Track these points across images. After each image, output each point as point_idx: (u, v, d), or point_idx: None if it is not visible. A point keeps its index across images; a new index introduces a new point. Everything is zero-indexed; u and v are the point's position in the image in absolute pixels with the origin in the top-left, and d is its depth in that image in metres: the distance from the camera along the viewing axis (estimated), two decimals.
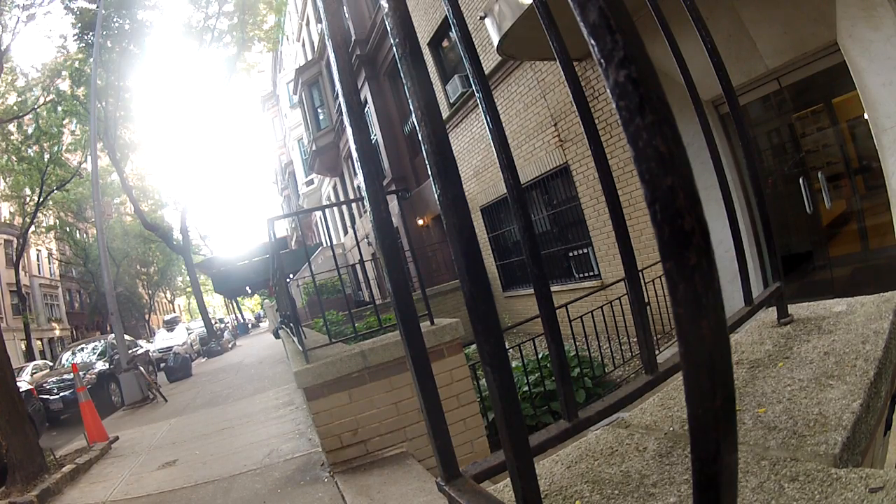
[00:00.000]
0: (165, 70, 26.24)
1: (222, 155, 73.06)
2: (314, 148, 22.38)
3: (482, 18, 6.52)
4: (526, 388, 4.96)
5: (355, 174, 20.17)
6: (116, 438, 7.11)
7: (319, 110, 21.78)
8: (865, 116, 4.61)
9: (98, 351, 13.86)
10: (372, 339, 3.69)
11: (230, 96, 24.82)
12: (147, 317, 47.54)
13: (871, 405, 1.01)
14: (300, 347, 3.66)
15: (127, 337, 14.26)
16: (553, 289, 9.67)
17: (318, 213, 32.70)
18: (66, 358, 14.44)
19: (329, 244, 4.29)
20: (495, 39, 6.49)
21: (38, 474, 5.42)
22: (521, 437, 0.77)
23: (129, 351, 12.84)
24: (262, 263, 37.33)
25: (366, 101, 15.67)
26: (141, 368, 11.16)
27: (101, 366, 12.53)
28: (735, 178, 5.80)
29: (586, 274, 9.03)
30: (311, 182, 29.29)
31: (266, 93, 38.20)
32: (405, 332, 0.89)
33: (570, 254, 9.37)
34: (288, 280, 9.95)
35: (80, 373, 8.95)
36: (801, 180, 5.50)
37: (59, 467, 5.73)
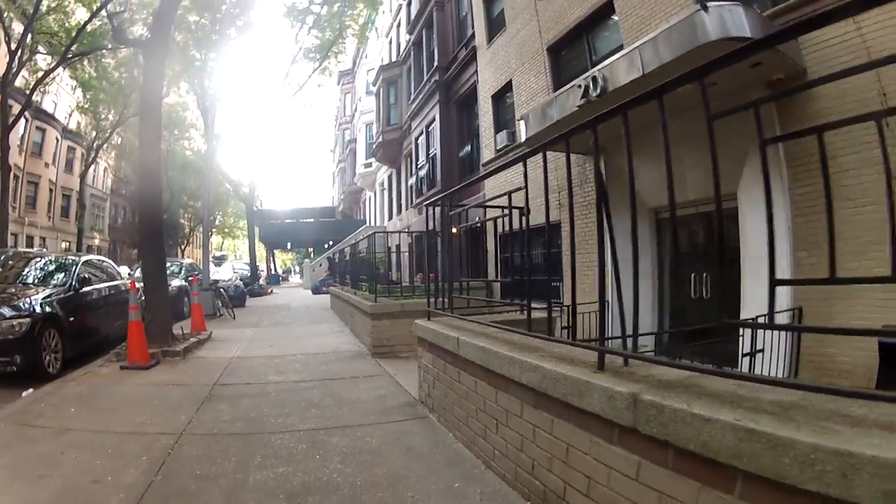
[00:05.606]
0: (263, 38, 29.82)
1: (290, 116, 79.26)
2: (381, 140, 26.84)
3: (519, 120, 10.68)
4: None
5: (411, 173, 24.46)
6: (211, 333, 10.34)
7: (392, 108, 26.18)
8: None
9: (170, 270, 16.01)
10: (406, 299, 8.00)
11: (315, 77, 28.83)
12: (182, 247, 52.05)
13: None
14: (373, 295, 7.98)
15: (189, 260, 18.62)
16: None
17: (369, 194, 37.36)
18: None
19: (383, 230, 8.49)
20: (523, 136, 10.66)
21: (169, 341, 8.34)
22: None
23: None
24: (304, 225, 42.37)
25: (433, 120, 19.95)
26: (221, 290, 15.61)
27: (177, 282, 15.64)
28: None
29: (555, 301, 13.18)
30: (369, 165, 33.93)
31: (345, 69, 42.64)
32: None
33: (553, 284, 13.54)
34: (333, 254, 14.19)
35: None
36: (692, 276, 9.47)
37: (184, 339, 8.85)
